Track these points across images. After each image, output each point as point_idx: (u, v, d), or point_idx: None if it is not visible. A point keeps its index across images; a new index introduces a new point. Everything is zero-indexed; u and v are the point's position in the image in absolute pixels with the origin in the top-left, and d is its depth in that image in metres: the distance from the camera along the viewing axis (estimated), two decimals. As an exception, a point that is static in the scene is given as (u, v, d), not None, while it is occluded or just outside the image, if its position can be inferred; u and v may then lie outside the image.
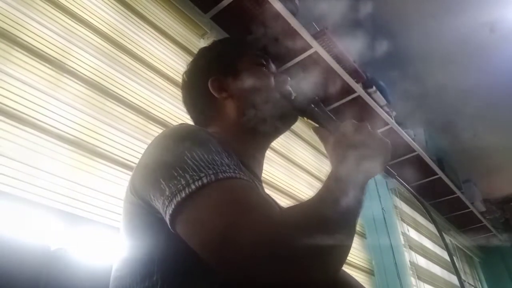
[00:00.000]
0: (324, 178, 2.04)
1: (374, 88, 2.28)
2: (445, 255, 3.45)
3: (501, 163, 3.69)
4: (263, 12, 1.68)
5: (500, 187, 4.17)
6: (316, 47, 1.86)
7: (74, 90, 1.09)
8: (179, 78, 1.46)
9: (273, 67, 0.85)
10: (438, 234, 0.80)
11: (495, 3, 2.33)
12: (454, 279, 3.38)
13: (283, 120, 0.80)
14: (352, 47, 2.12)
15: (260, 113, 0.76)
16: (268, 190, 0.83)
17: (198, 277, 0.51)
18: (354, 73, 2.12)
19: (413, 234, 2.93)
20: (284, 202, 1.73)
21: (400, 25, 2.44)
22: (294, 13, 1.77)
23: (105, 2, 1.32)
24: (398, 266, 2.35)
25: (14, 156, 0.90)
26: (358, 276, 2.05)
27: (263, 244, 0.45)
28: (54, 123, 1.01)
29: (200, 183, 0.50)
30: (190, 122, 0.87)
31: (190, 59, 1.55)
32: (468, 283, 3.81)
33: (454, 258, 3.64)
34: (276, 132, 0.82)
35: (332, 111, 2.24)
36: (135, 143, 1.18)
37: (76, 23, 1.19)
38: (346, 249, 0.54)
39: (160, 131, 1.27)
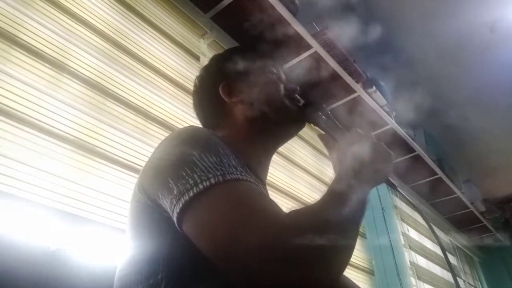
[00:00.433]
0: (324, 178, 2.05)
1: (374, 88, 2.28)
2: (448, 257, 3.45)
3: (501, 163, 3.69)
4: (263, 12, 1.68)
5: (500, 187, 4.17)
6: (316, 47, 1.86)
7: (74, 90, 1.09)
8: (179, 78, 1.47)
9: (283, 76, 0.87)
10: (438, 240, 0.80)
11: (495, 3, 2.33)
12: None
13: (290, 126, 0.82)
14: (352, 47, 2.12)
15: (268, 119, 0.78)
16: (268, 191, 0.83)
17: (203, 276, 0.52)
18: (354, 73, 2.12)
19: (413, 234, 2.93)
20: (284, 202, 1.73)
21: (400, 25, 2.44)
22: (294, 13, 1.77)
23: (105, 2, 1.32)
24: (398, 266, 2.35)
25: (14, 156, 0.90)
26: (358, 276, 2.05)
27: (269, 245, 0.46)
28: (54, 123, 1.01)
29: (208, 183, 0.50)
30: (192, 122, 0.88)
31: (190, 59, 1.56)
32: (468, 283, 3.81)
33: (454, 258, 3.64)
34: (283, 138, 0.84)
35: (332, 111, 2.24)
36: (135, 143, 1.18)
37: (76, 23, 1.19)
38: (349, 253, 0.55)
39: (160, 131, 1.28)
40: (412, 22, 2.43)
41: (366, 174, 0.64)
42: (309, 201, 1.91)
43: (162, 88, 1.38)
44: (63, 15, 1.16)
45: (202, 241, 0.50)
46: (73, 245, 0.90)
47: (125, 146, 1.15)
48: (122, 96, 1.22)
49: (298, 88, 0.84)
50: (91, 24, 1.23)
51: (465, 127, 2.99)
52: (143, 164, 1.02)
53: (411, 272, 2.54)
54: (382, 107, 2.37)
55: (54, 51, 1.09)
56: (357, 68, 2.13)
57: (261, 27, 1.72)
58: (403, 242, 2.61)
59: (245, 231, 0.47)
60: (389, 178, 0.72)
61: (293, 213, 0.54)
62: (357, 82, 2.15)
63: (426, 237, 3.20)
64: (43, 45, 1.07)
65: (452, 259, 3.64)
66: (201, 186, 0.50)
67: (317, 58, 1.90)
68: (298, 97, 0.83)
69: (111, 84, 1.20)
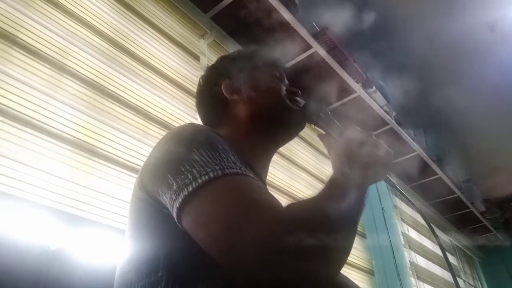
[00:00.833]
0: (324, 178, 2.05)
1: (374, 88, 2.28)
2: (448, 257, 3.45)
3: (501, 163, 3.69)
4: (263, 12, 1.68)
5: (500, 187, 4.17)
6: (316, 47, 1.86)
7: (73, 91, 1.09)
8: (179, 79, 1.47)
9: (286, 81, 0.87)
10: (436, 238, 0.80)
11: (495, 3, 2.33)
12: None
13: (290, 126, 0.82)
14: (352, 47, 2.12)
15: (269, 119, 0.79)
16: (268, 191, 0.83)
17: (203, 274, 0.52)
18: (354, 73, 2.12)
19: (413, 234, 2.93)
20: (284, 202, 1.73)
21: (400, 25, 2.44)
22: (294, 13, 1.77)
23: (104, 2, 1.32)
24: (398, 266, 2.35)
25: (14, 157, 0.90)
26: (358, 276, 2.05)
27: (268, 238, 0.46)
28: (53, 123, 1.01)
29: (206, 177, 0.51)
30: (186, 121, 0.88)
31: (190, 59, 1.56)
32: (468, 283, 3.81)
33: (454, 258, 3.64)
34: (283, 138, 0.84)
35: (332, 111, 2.24)
36: (135, 143, 1.18)
37: (76, 24, 1.19)
38: (347, 249, 0.54)
39: (159, 131, 1.28)
40: (413, 22, 2.43)
41: (365, 171, 0.64)
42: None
43: (162, 88, 1.38)
44: (63, 15, 1.16)
45: (200, 234, 0.50)
46: (73, 245, 0.91)
47: (125, 147, 1.15)
48: (122, 96, 1.22)
49: (299, 91, 0.85)
50: (91, 24, 1.23)
51: (465, 127, 2.99)
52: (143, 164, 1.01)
53: (411, 272, 2.54)
54: (382, 107, 2.37)
55: (54, 51, 1.09)
56: (357, 68, 2.13)
57: (261, 27, 1.72)
58: (403, 242, 2.61)
59: (244, 224, 0.47)
60: (389, 176, 0.72)
61: (293, 206, 0.54)
62: (357, 82, 2.15)
63: (426, 237, 3.20)
64: (43, 45, 1.07)
65: (452, 259, 3.64)
66: (199, 181, 0.50)
67: (317, 58, 1.90)
68: (299, 99, 0.83)
69: (111, 84, 1.20)
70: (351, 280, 0.82)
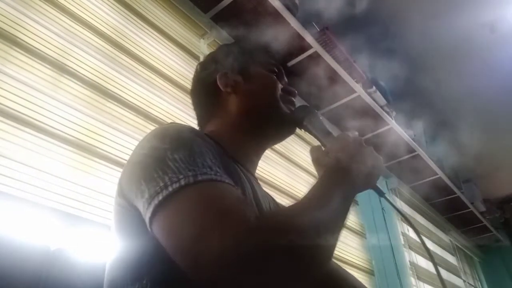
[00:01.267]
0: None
1: (374, 88, 2.28)
2: (445, 255, 3.45)
3: (501, 163, 3.69)
4: (263, 12, 1.68)
5: (500, 187, 4.17)
6: (316, 47, 1.86)
7: (74, 91, 1.09)
8: (179, 79, 1.47)
9: (285, 78, 0.86)
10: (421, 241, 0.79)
11: (495, 3, 2.33)
12: (454, 279, 3.38)
13: (280, 129, 0.81)
14: (352, 47, 2.12)
15: (260, 116, 0.77)
16: (268, 190, 0.83)
17: (188, 280, 0.51)
18: (354, 73, 2.12)
19: (413, 234, 2.93)
20: (284, 202, 1.73)
21: (401, 25, 2.44)
22: (294, 13, 1.77)
23: (105, 2, 1.32)
24: (398, 266, 2.35)
25: (14, 157, 0.90)
26: (358, 276, 2.05)
27: (234, 251, 0.44)
28: (54, 123, 1.01)
29: (177, 185, 0.50)
30: (192, 123, 0.87)
31: (190, 59, 1.56)
32: (468, 283, 3.81)
33: (454, 258, 3.64)
34: (272, 139, 0.83)
35: (332, 111, 2.24)
36: (134, 143, 1.17)
37: (76, 24, 1.19)
38: (320, 258, 0.53)
39: (160, 131, 1.28)
40: (413, 22, 2.43)
41: (353, 178, 0.62)
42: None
43: (162, 89, 1.38)
44: (63, 15, 1.16)
45: (168, 244, 0.49)
46: (73, 245, 0.91)
47: (125, 147, 1.15)
48: (122, 97, 1.22)
49: (296, 92, 0.83)
50: (91, 24, 1.23)
51: (465, 127, 2.99)
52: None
53: (411, 272, 2.54)
54: (382, 107, 2.37)
55: (54, 51, 1.09)
56: (357, 68, 2.13)
57: (261, 27, 1.72)
58: (403, 242, 2.61)
59: (209, 235, 0.45)
60: (377, 184, 0.70)
61: (265, 217, 0.52)
62: (357, 82, 2.15)
63: (426, 237, 3.20)
64: (43, 45, 1.07)
65: (452, 259, 3.64)
66: (170, 189, 0.49)
67: (317, 58, 1.90)
68: (293, 99, 0.82)
69: (111, 85, 1.20)
70: (351, 274, 0.82)
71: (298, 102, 0.83)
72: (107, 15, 1.30)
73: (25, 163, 0.91)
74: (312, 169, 2.14)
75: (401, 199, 2.94)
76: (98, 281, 0.76)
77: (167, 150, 0.55)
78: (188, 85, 1.47)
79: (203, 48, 1.68)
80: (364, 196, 2.48)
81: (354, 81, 2.11)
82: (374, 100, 2.29)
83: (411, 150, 2.66)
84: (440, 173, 2.96)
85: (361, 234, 2.32)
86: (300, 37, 1.80)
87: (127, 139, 1.17)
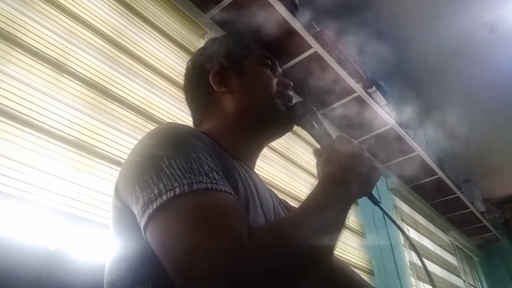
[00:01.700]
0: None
1: (374, 88, 2.28)
2: (445, 255, 3.45)
3: (501, 163, 3.69)
4: (263, 12, 1.68)
5: (500, 187, 4.17)
6: (316, 47, 1.86)
7: (74, 91, 1.09)
8: (179, 78, 1.47)
9: (279, 70, 0.84)
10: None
11: (495, 3, 2.33)
12: (453, 279, 3.38)
13: (277, 127, 0.79)
14: (352, 47, 2.12)
15: (256, 116, 0.76)
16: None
17: None
18: (354, 73, 2.12)
19: (413, 234, 2.93)
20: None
21: (401, 26, 2.44)
22: (294, 13, 1.77)
23: (105, 2, 1.32)
24: (398, 266, 2.35)
25: (14, 157, 0.90)
26: (358, 276, 2.05)
27: (220, 272, 0.44)
28: (54, 123, 1.01)
29: (172, 194, 0.48)
30: (189, 121, 0.87)
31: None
32: (468, 283, 3.81)
33: (454, 258, 3.64)
34: (269, 137, 0.81)
35: (332, 111, 2.24)
36: (135, 143, 1.17)
37: (76, 24, 1.19)
38: (317, 270, 0.52)
39: (160, 131, 1.28)
40: (412, 22, 2.43)
41: (351, 184, 0.62)
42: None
43: (162, 88, 1.38)
44: (63, 15, 1.16)
45: (160, 255, 0.49)
46: (73, 245, 0.90)
47: (125, 147, 1.15)
48: (122, 96, 1.22)
49: (291, 84, 0.81)
50: (91, 24, 1.23)
51: (465, 127, 2.99)
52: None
53: (411, 272, 2.54)
54: (382, 107, 2.37)
55: (54, 51, 1.09)
56: (357, 68, 2.13)
57: (261, 27, 1.72)
58: (403, 242, 2.61)
59: (199, 251, 0.45)
60: (372, 193, 0.69)
61: (259, 231, 0.50)
62: (357, 82, 2.15)
63: (426, 237, 3.20)
64: (43, 45, 1.07)
65: (452, 259, 3.64)
66: (164, 197, 0.48)
67: (317, 58, 1.90)
68: (290, 94, 0.80)
69: (111, 84, 1.20)
70: (348, 266, 0.81)
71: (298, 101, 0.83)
72: (107, 15, 1.30)
73: (25, 163, 0.91)
74: (312, 169, 2.14)
75: (401, 199, 2.94)
76: (98, 281, 0.76)
77: (163, 154, 0.53)
78: (188, 85, 1.47)
79: (203, 48, 1.67)
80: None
81: (354, 81, 2.11)
82: (374, 100, 2.29)
83: (411, 150, 2.66)
84: (440, 173, 2.96)
85: (361, 234, 2.32)
86: (300, 37, 1.80)
87: (127, 139, 1.17)
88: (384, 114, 2.36)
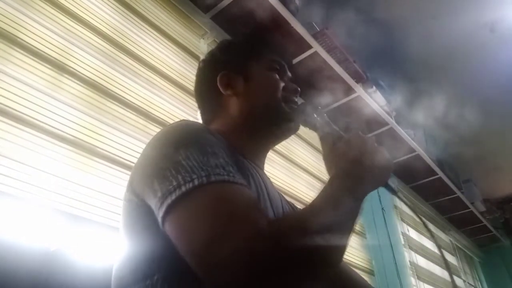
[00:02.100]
0: (324, 178, 2.04)
1: (374, 88, 2.28)
2: (445, 255, 3.45)
3: (501, 163, 3.69)
4: (263, 12, 1.68)
5: (500, 187, 4.17)
6: (316, 47, 1.86)
7: (74, 91, 1.09)
8: (179, 78, 1.47)
9: (288, 74, 0.84)
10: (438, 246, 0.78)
11: (495, 3, 2.33)
12: (454, 279, 3.38)
13: (284, 128, 0.80)
14: (352, 47, 2.12)
15: (262, 119, 0.77)
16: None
17: (198, 277, 0.51)
18: (354, 73, 2.12)
19: (413, 234, 2.93)
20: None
21: (400, 25, 2.44)
22: (294, 13, 1.77)
23: (105, 2, 1.32)
24: (398, 266, 2.35)
25: (14, 156, 0.90)
26: (358, 276, 2.05)
27: (246, 255, 0.45)
28: (54, 123, 1.01)
29: (191, 185, 0.49)
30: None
31: (190, 59, 1.56)
32: (468, 283, 3.81)
33: (454, 258, 3.64)
34: (277, 138, 0.82)
35: (332, 111, 2.24)
36: (135, 143, 1.18)
37: (76, 24, 1.19)
38: (332, 261, 0.53)
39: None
40: (412, 22, 2.43)
41: (365, 177, 0.62)
42: (309, 201, 1.91)
43: (162, 88, 1.38)
44: (63, 15, 1.16)
45: (180, 245, 0.50)
46: (73, 245, 0.90)
47: (125, 146, 1.15)
48: (122, 96, 1.22)
49: (299, 90, 0.82)
50: (91, 24, 1.23)
51: (465, 127, 2.99)
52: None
53: (411, 272, 2.54)
54: (382, 107, 2.37)
55: (54, 51, 1.09)
56: (357, 68, 2.13)
57: (261, 27, 1.72)
58: (403, 242, 2.61)
59: (222, 238, 0.46)
60: (389, 183, 0.70)
61: (278, 221, 0.52)
62: (357, 82, 2.15)
63: (426, 237, 3.20)
64: (43, 45, 1.07)
65: (452, 259, 3.64)
66: (183, 189, 0.49)
67: (317, 58, 1.90)
68: (295, 99, 0.81)
69: (111, 84, 1.20)
70: (354, 271, 0.82)
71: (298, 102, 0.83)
72: (107, 15, 1.30)
73: (25, 162, 0.91)
74: (312, 169, 2.15)
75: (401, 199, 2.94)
76: (98, 281, 0.76)
77: (180, 148, 0.54)
78: (188, 84, 1.48)
79: (203, 48, 1.67)
80: (364, 196, 2.47)
81: (354, 81, 2.11)
82: (374, 100, 2.29)
83: (411, 150, 2.66)
84: (440, 173, 2.96)
85: (361, 234, 2.32)
86: (300, 37, 1.80)
87: (128, 139, 1.17)
88: (384, 114, 2.36)
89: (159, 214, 0.51)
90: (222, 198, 0.50)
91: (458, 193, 3.25)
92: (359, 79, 2.17)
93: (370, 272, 2.23)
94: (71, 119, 1.05)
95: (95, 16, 1.26)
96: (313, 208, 0.55)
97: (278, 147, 1.86)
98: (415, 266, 2.65)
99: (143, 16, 1.44)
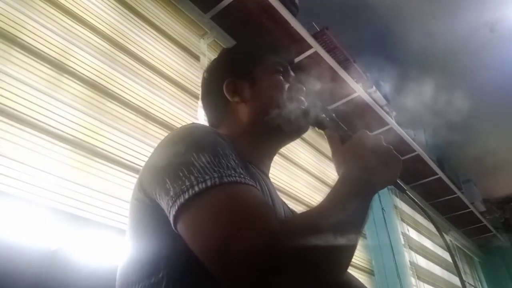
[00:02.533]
0: (324, 178, 2.04)
1: (374, 88, 2.28)
2: (445, 255, 3.45)
3: (501, 163, 3.69)
4: (263, 12, 1.68)
5: (500, 187, 4.17)
6: (316, 47, 1.86)
7: (74, 91, 1.09)
8: (179, 78, 1.47)
9: (291, 74, 0.85)
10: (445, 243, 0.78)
11: (495, 3, 2.33)
12: (453, 279, 3.38)
13: (293, 129, 0.80)
14: (352, 48, 2.12)
15: (270, 121, 0.77)
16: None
17: (204, 275, 0.52)
18: (354, 73, 2.12)
19: (413, 234, 2.93)
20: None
21: (401, 26, 2.44)
22: (294, 13, 1.77)
23: (105, 2, 1.32)
24: (398, 266, 2.35)
25: (14, 156, 0.90)
26: (358, 276, 2.05)
27: (260, 253, 0.45)
28: (54, 123, 1.01)
29: (204, 185, 0.50)
30: (189, 121, 0.88)
31: (190, 59, 1.56)
32: (468, 283, 3.81)
33: (456, 260, 3.64)
34: (284, 141, 0.83)
35: (332, 111, 2.24)
36: (135, 143, 1.18)
37: (76, 24, 1.19)
38: (344, 260, 0.54)
39: (159, 131, 1.28)
40: (413, 22, 2.43)
41: (373, 176, 0.62)
42: (309, 201, 1.91)
43: (162, 88, 1.38)
44: (63, 15, 1.16)
45: (194, 244, 0.50)
46: (73, 245, 0.90)
47: (125, 146, 1.15)
48: (122, 96, 1.22)
49: (303, 88, 0.83)
50: (91, 24, 1.23)
51: (465, 127, 2.99)
52: (143, 164, 1.02)
53: (411, 272, 2.54)
54: (382, 107, 2.37)
55: (54, 51, 1.09)
56: (357, 68, 2.13)
57: (261, 27, 1.72)
58: (403, 242, 2.61)
59: (236, 237, 0.46)
60: (398, 181, 0.70)
61: (290, 220, 0.53)
62: (357, 82, 2.15)
63: (426, 237, 3.20)
64: (44, 45, 1.07)
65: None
66: (196, 188, 0.50)
67: (317, 58, 1.90)
68: (302, 99, 0.81)
69: (111, 84, 1.20)
70: (355, 278, 0.82)
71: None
72: (107, 15, 1.30)
73: (25, 162, 0.91)
74: (312, 169, 2.14)
75: (401, 199, 2.94)
76: (98, 281, 0.77)
77: (192, 149, 0.55)
78: (188, 84, 1.48)
79: (203, 48, 1.68)
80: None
81: (354, 81, 2.11)
82: (374, 100, 2.29)
83: (411, 150, 2.66)
84: (440, 173, 2.96)
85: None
86: (300, 37, 1.80)
87: (128, 139, 1.17)
88: (384, 114, 2.37)
89: (171, 213, 0.51)
90: (235, 198, 0.51)
91: (458, 193, 3.25)
92: (359, 79, 2.18)
93: (370, 272, 2.23)
94: (71, 119, 1.05)
95: (95, 16, 1.26)
96: (323, 207, 0.56)
97: (278, 147, 1.86)
98: (415, 266, 2.65)
99: (143, 16, 1.44)
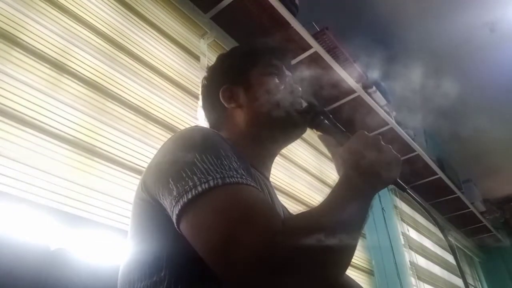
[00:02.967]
0: (324, 178, 2.04)
1: (374, 88, 2.28)
2: (445, 255, 3.45)
3: (501, 163, 3.69)
4: (263, 12, 1.68)
5: (500, 187, 4.17)
6: (316, 47, 1.86)
7: (74, 91, 1.09)
8: (179, 79, 1.47)
9: (287, 73, 0.86)
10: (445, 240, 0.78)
11: (495, 3, 2.33)
12: (454, 279, 3.38)
13: (291, 131, 0.81)
14: (352, 48, 2.12)
15: (268, 125, 0.78)
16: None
17: (206, 274, 0.52)
18: (354, 73, 2.12)
19: (413, 234, 2.93)
20: (284, 202, 1.73)
21: (401, 26, 2.44)
22: (294, 13, 1.77)
23: (105, 2, 1.32)
24: (398, 266, 2.35)
25: (14, 157, 0.90)
26: (358, 276, 2.05)
27: (263, 252, 0.46)
28: (54, 123, 1.01)
29: (206, 185, 0.51)
30: (193, 123, 0.88)
31: (190, 59, 1.56)
32: (468, 283, 3.81)
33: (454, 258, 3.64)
34: (283, 143, 0.84)
35: (332, 111, 2.25)
36: (135, 143, 1.18)
37: (76, 24, 1.19)
38: (345, 259, 0.54)
39: (159, 131, 1.28)
40: (412, 22, 2.43)
41: (373, 176, 0.63)
42: (309, 201, 1.91)
43: (162, 88, 1.38)
44: (63, 15, 1.16)
45: (197, 243, 0.51)
46: (73, 245, 0.91)
47: (125, 146, 1.15)
48: (122, 96, 1.22)
49: (299, 88, 0.83)
50: (91, 24, 1.23)
51: (465, 127, 2.99)
52: (143, 164, 1.03)
53: (411, 272, 2.54)
54: (382, 107, 2.37)
55: (54, 51, 1.09)
56: (357, 68, 2.13)
57: (261, 27, 1.72)
58: (403, 242, 2.61)
59: (239, 236, 0.47)
60: (398, 180, 0.70)
61: (291, 219, 0.54)
62: (357, 82, 2.15)
63: (426, 237, 3.20)
64: (43, 45, 1.07)
65: (452, 259, 3.64)
66: (199, 189, 0.51)
67: (317, 58, 1.90)
68: (298, 99, 0.81)
69: (111, 84, 1.20)
70: (353, 279, 0.83)
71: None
72: (107, 15, 1.30)
73: (25, 163, 0.91)
74: (312, 169, 2.14)
75: (401, 199, 2.94)
76: (98, 281, 0.77)
77: (195, 151, 0.56)
78: (188, 84, 1.48)
79: (203, 48, 1.68)
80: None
81: (354, 81, 2.11)
82: (374, 100, 2.29)
83: (411, 150, 2.66)
84: (440, 173, 2.96)
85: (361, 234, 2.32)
86: (300, 37, 1.80)
87: (128, 139, 1.17)
88: (384, 114, 2.37)
89: (174, 212, 0.52)
90: (238, 199, 0.52)
91: (458, 193, 3.24)
92: (359, 79, 2.18)
93: (370, 272, 2.23)
94: (71, 119, 1.05)
95: (95, 16, 1.26)
96: (324, 207, 0.57)
97: (278, 147, 1.86)
98: (415, 266, 2.65)
99: (143, 16, 1.44)
